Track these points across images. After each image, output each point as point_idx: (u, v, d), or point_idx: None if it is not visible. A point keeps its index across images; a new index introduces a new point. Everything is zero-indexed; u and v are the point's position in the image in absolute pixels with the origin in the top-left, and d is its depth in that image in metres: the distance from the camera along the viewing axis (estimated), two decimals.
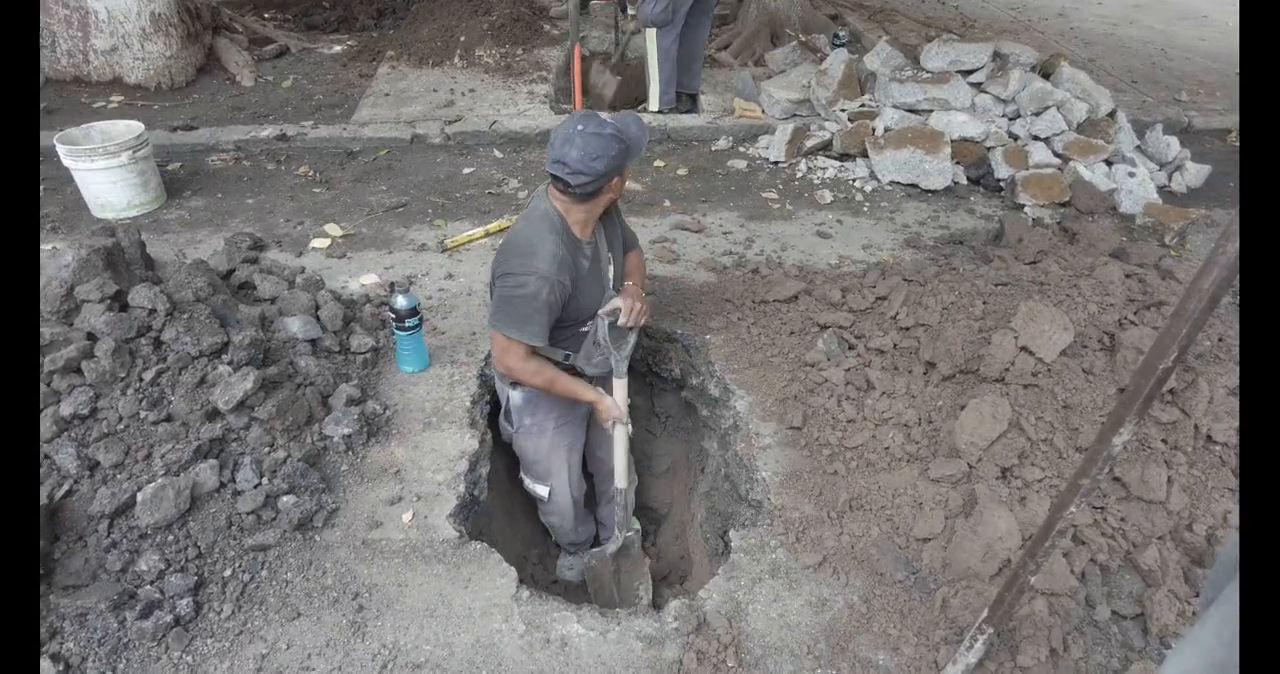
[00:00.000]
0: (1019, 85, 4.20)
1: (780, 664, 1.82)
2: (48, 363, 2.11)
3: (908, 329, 2.70)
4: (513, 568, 2.01)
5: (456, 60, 5.34)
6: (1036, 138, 4.31)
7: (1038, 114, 4.29)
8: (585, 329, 2.30)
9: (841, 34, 5.09)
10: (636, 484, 2.94)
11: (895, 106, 4.26)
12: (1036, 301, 2.46)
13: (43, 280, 2.30)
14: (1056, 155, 4.24)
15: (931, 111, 4.27)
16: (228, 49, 5.65)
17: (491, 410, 2.68)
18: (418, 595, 1.91)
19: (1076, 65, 5.05)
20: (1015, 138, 4.33)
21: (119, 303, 2.33)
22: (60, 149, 3.51)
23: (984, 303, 2.64)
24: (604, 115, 2.07)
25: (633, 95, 5.18)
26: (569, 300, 2.15)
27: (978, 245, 3.52)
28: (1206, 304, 1.12)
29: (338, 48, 6.03)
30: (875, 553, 2.09)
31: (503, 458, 2.89)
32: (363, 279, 3.15)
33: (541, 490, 2.60)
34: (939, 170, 4.09)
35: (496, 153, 4.36)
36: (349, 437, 2.29)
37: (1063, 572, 1.96)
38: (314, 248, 3.37)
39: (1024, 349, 2.33)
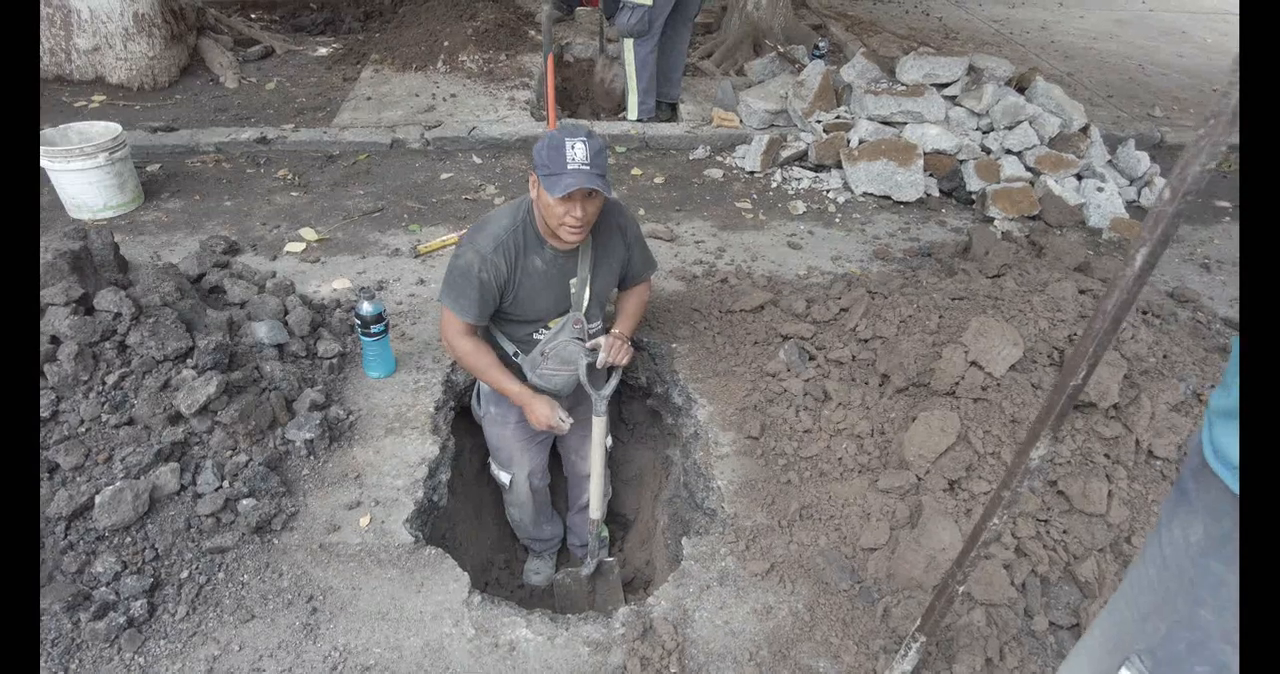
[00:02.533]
0: (993, 99, 4.27)
1: (723, 670, 1.87)
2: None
3: (866, 341, 2.75)
4: (465, 573, 2.05)
5: (440, 65, 5.38)
6: (1009, 151, 4.39)
7: (1010, 128, 4.36)
8: (538, 335, 2.35)
9: (821, 45, 5.16)
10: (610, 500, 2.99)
11: (870, 118, 4.32)
12: (988, 317, 2.51)
13: None
14: (1028, 169, 4.31)
15: (906, 124, 4.33)
16: (212, 50, 5.67)
17: (456, 414, 2.73)
18: (370, 599, 1.95)
19: (1053, 79, 5.13)
20: (988, 151, 4.40)
21: (85, 306, 2.36)
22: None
23: (940, 317, 2.69)
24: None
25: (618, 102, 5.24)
26: (509, 291, 2.21)
27: (944, 258, 3.58)
28: (1110, 325, 1.18)
29: (323, 50, 6.06)
30: (822, 562, 2.14)
31: (474, 457, 2.94)
32: (334, 284, 3.18)
33: (504, 477, 2.67)
34: (911, 182, 4.15)
35: (475, 158, 4.40)
36: (311, 441, 2.33)
37: (1002, 583, 2.02)
38: (289, 252, 3.40)
39: (974, 363, 2.39)
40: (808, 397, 2.62)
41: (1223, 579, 1.08)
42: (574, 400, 2.56)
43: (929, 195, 4.26)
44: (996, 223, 4.01)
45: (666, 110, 5.09)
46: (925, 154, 4.23)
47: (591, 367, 2.34)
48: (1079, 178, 4.32)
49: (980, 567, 2.03)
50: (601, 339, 2.34)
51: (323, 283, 3.19)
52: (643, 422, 3.33)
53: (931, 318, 2.71)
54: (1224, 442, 1.06)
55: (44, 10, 5.03)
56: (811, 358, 2.79)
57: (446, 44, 5.55)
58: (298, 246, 3.45)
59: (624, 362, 2.35)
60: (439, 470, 2.42)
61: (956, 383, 2.40)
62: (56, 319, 2.27)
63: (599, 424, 2.38)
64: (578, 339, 2.38)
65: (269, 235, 3.55)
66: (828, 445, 2.47)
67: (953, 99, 4.37)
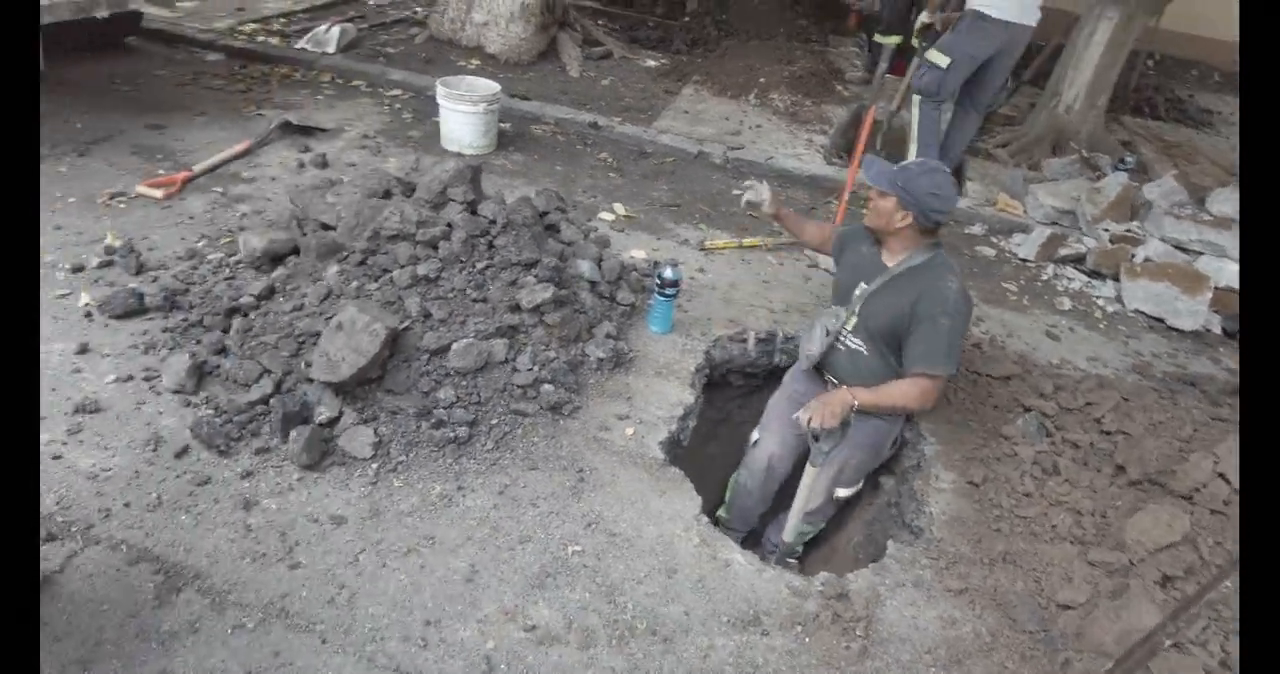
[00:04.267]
0: None
1: (900, 651, 2.12)
2: (419, 234, 2.86)
3: (1109, 433, 2.86)
4: (699, 497, 2.45)
5: (752, 98, 6.00)
6: None
7: None
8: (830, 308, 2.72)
9: (1128, 159, 5.18)
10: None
11: (1164, 239, 4.32)
12: None
13: (426, 178, 3.09)
14: None
15: (1202, 254, 4.29)
16: (565, 43, 6.68)
17: (707, 381, 3.17)
18: (625, 487, 2.41)
19: None
20: None
21: (471, 208, 3.07)
22: (439, 90, 4.47)
23: (1194, 430, 2.75)
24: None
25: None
26: (840, 258, 2.82)
27: (1211, 392, 3.54)
28: None
29: (652, 63, 6.91)
30: (1014, 601, 2.31)
31: (707, 426, 3.34)
32: (633, 252, 3.76)
33: (755, 435, 2.92)
34: (1192, 311, 4.10)
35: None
36: (602, 360, 2.85)
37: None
38: (601, 218, 4.06)
39: (1221, 475, 2.46)
40: (1036, 466, 2.78)
41: None
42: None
43: (1207, 330, 4.17)
44: None
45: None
46: (1216, 288, 4.16)
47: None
48: None
49: (1177, 660, 2.11)
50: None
51: (624, 249, 3.78)
52: None
53: (1185, 428, 2.78)
54: None
55: None
56: (1049, 434, 2.94)
57: (762, 80, 6.17)
58: (609, 216, 4.09)
59: (816, 425, 2.32)
60: (689, 416, 2.85)
61: (1197, 489, 2.48)
62: (453, 212, 2.98)
63: (809, 473, 2.44)
64: (827, 334, 2.65)
65: (587, 202, 4.24)
66: (1044, 511, 2.62)
67: None
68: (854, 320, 2.63)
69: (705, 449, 3.43)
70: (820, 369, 2.79)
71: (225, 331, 2.69)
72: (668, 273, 3.06)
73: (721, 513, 3.20)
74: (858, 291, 2.64)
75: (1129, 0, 5.33)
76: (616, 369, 2.89)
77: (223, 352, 2.61)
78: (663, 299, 3.12)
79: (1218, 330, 4.19)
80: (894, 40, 5.45)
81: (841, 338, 2.67)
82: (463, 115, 4.48)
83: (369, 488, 2.27)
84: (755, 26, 7.81)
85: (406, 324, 2.65)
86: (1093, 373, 3.54)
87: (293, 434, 2.29)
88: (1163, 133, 7.43)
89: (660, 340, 3.15)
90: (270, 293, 2.84)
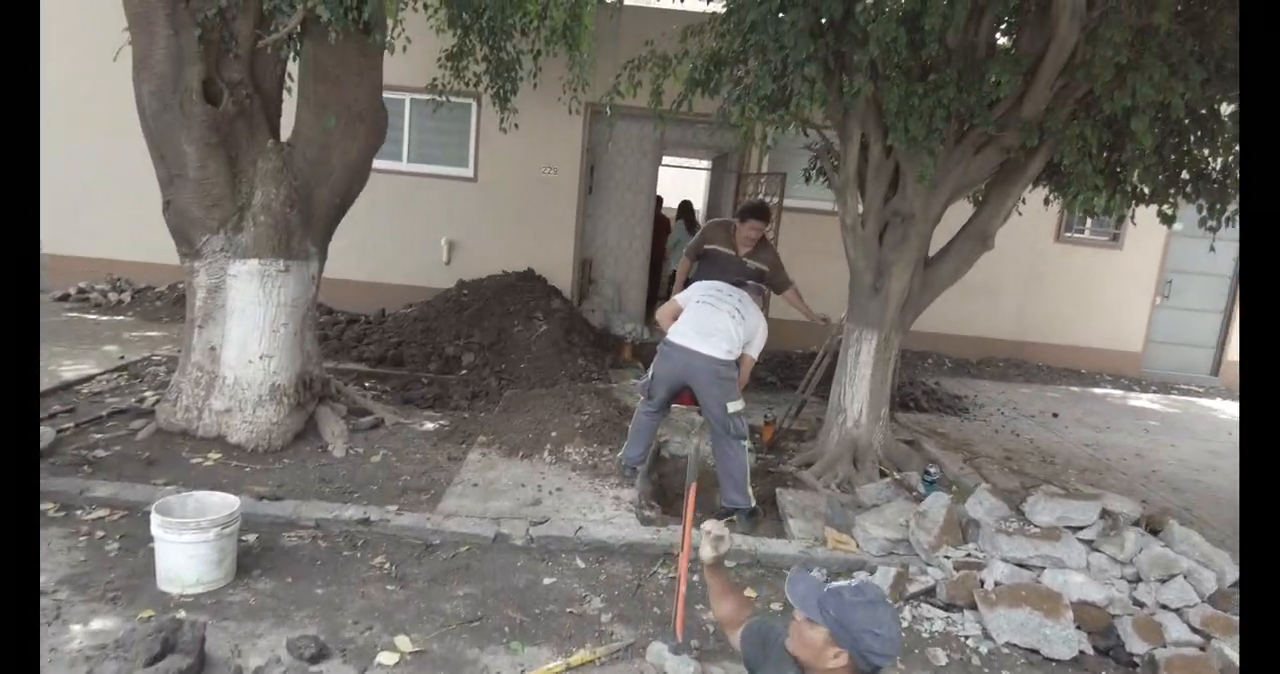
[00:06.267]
0: (1134, 547, 4.17)
1: None
2: None
3: None
4: None
5: (546, 455, 5.67)
6: (1165, 607, 4.13)
7: (1163, 581, 4.18)
8: None
9: (932, 471, 5.32)
10: None
11: (1004, 560, 4.21)
12: None
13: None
14: (1194, 631, 4.00)
15: (1044, 569, 4.20)
16: (327, 418, 6.13)
17: None
18: None
19: (1183, 521, 5.06)
20: (1141, 605, 4.15)
21: None
22: (154, 518, 3.61)
23: None
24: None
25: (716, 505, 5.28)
26: None
27: None
28: None
29: (430, 425, 6.50)
30: None
31: None
32: None
33: None
34: (1063, 638, 3.86)
35: (579, 561, 4.33)
36: None
37: None
38: (380, 664, 3.18)
39: None
40: None
41: None
42: None
43: (1083, 653, 3.92)
44: None
45: (744, 520, 5.03)
46: (1072, 604, 4.01)
47: None
48: None
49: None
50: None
51: None
52: None
53: None
54: None
55: (195, 373, 5.65)
56: None
57: (554, 434, 5.92)
58: (390, 658, 3.22)
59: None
60: None
61: None
62: None
63: None
64: None
65: (359, 638, 3.36)
66: None
67: (1090, 543, 4.29)
68: None
69: None
70: None
71: None
72: None
73: None
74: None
75: (882, 323, 5.89)
76: None
77: None
78: None
79: (1091, 650, 3.96)
80: None
81: None
82: (186, 546, 3.59)
83: None
84: (536, 373, 7.86)
85: None
86: None
87: None
88: (933, 425, 8.08)
89: None
90: None
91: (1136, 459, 7.75)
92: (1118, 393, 10.74)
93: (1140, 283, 11.44)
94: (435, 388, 7.64)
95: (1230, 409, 10.50)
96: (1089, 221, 11.45)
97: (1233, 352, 11.77)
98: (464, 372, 8.04)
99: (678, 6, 8.12)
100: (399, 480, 5.21)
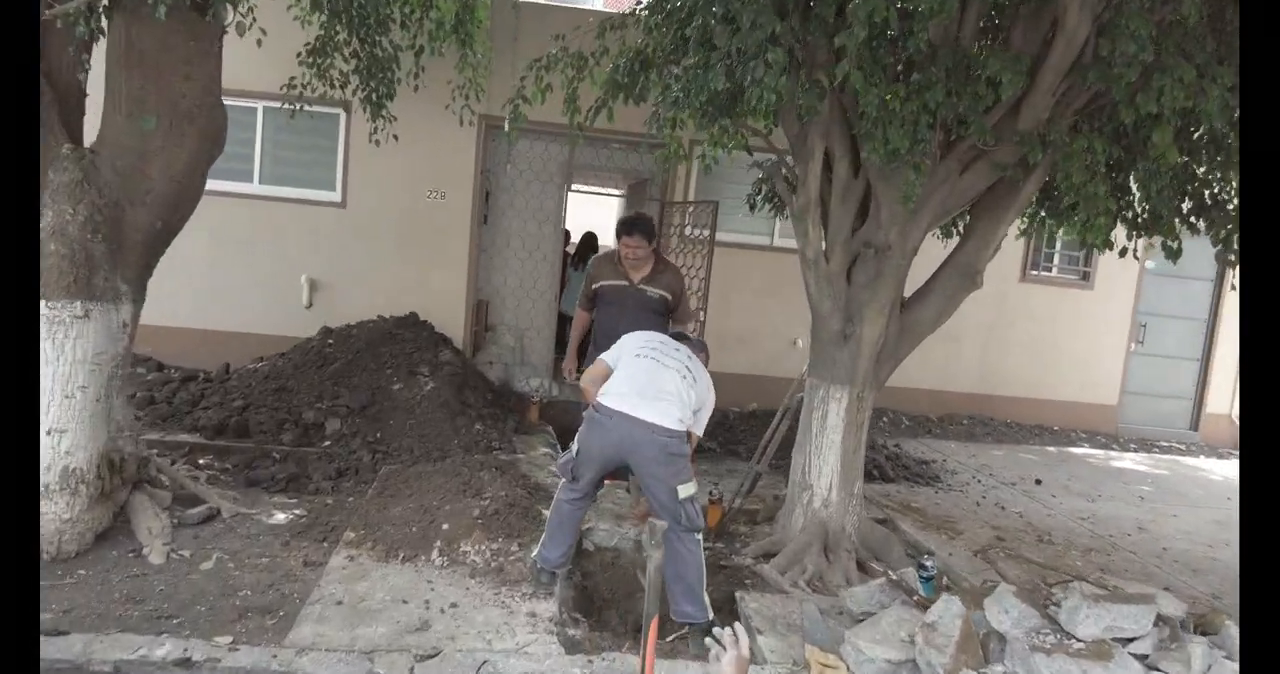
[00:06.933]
0: (1203, 664, 3.77)
1: None
2: None
3: None
4: None
5: (435, 556, 4.95)
6: None
7: None
8: None
9: (928, 565, 4.86)
10: None
11: None
12: None
13: None
14: None
15: None
16: (143, 510, 5.29)
17: None
18: None
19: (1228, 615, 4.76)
20: None
21: None
22: None
23: None
24: None
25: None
26: None
27: None
28: None
29: (282, 516, 5.73)
30: None
31: None
32: None
33: None
34: None
35: None
36: None
37: None
38: None
39: None
40: None
41: None
42: None
43: None
44: None
45: (698, 639, 4.39)
46: None
47: None
48: None
49: None
50: None
51: None
52: None
53: None
54: None
55: None
56: None
57: (446, 527, 5.21)
58: None
59: None
60: None
61: None
62: None
63: None
64: None
65: None
66: None
67: (1145, 660, 3.86)
68: None
69: None
70: None
71: None
72: None
73: None
74: None
75: (854, 378, 5.47)
76: None
77: None
78: None
79: None
80: None
81: None
82: None
83: None
84: (420, 443, 7.12)
85: None
86: None
87: None
88: (905, 499, 7.74)
89: None
90: None
91: (1141, 534, 7.57)
92: (1098, 453, 10.75)
93: (1113, 327, 11.60)
94: (290, 465, 6.81)
95: (1219, 468, 10.64)
96: (1056, 258, 11.60)
97: (1213, 404, 12.04)
98: (327, 443, 7.21)
99: (588, 5, 7.78)
100: (237, 597, 4.41)
